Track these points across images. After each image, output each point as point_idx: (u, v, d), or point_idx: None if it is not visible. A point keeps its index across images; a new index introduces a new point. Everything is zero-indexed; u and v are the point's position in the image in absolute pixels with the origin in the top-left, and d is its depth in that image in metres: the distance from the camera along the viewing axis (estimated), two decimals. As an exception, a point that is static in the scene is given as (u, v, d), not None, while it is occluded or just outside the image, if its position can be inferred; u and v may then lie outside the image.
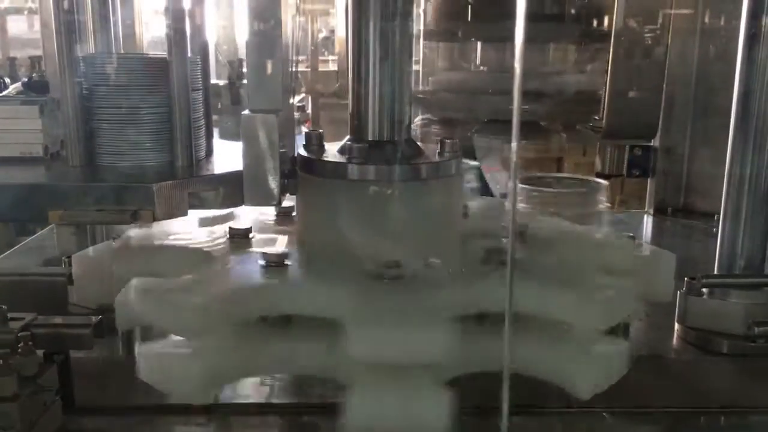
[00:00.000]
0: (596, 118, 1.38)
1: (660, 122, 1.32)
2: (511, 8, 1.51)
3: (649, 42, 1.23)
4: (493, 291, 1.11)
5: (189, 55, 1.30)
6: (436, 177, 1.25)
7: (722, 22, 2.57)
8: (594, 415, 1.28)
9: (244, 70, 7.10)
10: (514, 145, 0.75)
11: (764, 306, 1.53)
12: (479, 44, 1.45)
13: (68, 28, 1.20)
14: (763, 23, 1.48)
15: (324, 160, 1.25)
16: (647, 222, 2.63)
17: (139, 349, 1.11)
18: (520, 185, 1.24)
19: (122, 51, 1.46)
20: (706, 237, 2.48)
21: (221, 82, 4.65)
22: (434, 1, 1.59)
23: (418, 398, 1.00)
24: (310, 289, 1.13)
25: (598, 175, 1.39)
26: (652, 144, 2.65)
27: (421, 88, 1.58)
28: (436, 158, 1.27)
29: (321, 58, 8.78)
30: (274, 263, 1.17)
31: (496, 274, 1.15)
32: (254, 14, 1.19)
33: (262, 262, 1.18)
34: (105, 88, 1.23)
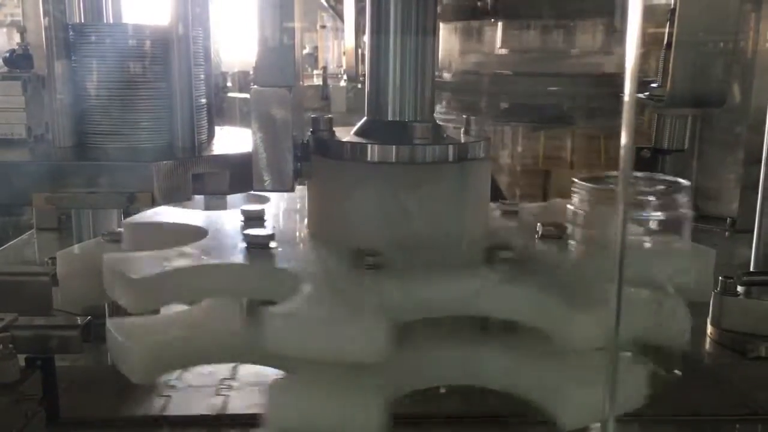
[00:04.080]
0: (654, 85, 1.28)
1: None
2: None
3: None
4: (464, 287, 0.97)
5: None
6: (465, 159, 1.13)
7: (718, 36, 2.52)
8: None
9: (228, 83, 6.97)
10: (624, 139, 0.62)
11: (806, 305, 1.43)
12: (500, 25, 1.36)
13: (56, -9, 1.07)
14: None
15: (344, 141, 1.13)
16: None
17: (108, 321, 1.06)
18: (582, 183, 1.14)
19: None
20: (718, 240, 2.40)
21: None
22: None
23: (342, 401, 0.87)
24: (259, 272, 1.03)
25: (656, 150, 1.28)
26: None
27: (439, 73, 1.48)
28: (464, 139, 1.16)
29: (304, 73, 8.73)
30: (258, 245, 1.06)
31: (488, 275, 1.00)
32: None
33: (243, 243, 1.08)
34: (97, 60, 1.10)
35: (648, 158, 2.57)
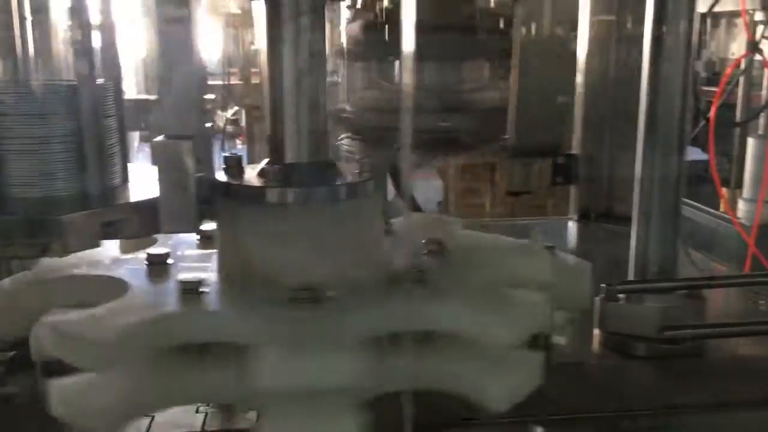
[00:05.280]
0: (506, 137, 1.42)
1: (564, 135, 1.35)
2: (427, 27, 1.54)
3: (556, 53, 1.25)
4: (402, 311, 1.12)
5: (101, 81, 1.28)
6: (354, 198, 1.25)
7: (634, 27, 2.66)
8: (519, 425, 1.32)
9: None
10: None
11: (678, 308, 1.60)
12: (397, 63, 1.48)
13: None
14: (667, 27, 1.54)
15: (240, 185, 1.24)
16: (572, 228, 2.71)
17: (48, 383, 1.09)
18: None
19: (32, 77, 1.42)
20: (628, 241, 2.57)
21: (152, 97, 4.55)
22: (353, 21, 1.61)
23: (327, 424, 1.01)
24: (221, 316, 1.12)
25: (509, 193, 1.41)
26: (574, 152, 2.75)
27: (342, 107, 1.59)
28: (355, 179, 1.28)
29: (253, 70, 8.70)
30: (190, 290, 1.15)
31: (407, 293, 1.14)
32: (164, 34, 1.18)
33: (176, 289, 1.16)
34: (10, 117, 1.19)
35: (563, 164, 2.74)
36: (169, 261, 1.29)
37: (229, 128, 9.35)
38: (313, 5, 1.25)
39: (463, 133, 1.41)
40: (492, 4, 1.34)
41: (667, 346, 1.58)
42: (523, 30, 1.27)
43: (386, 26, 1.52)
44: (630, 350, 1.61)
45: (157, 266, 1.27)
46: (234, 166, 1.32)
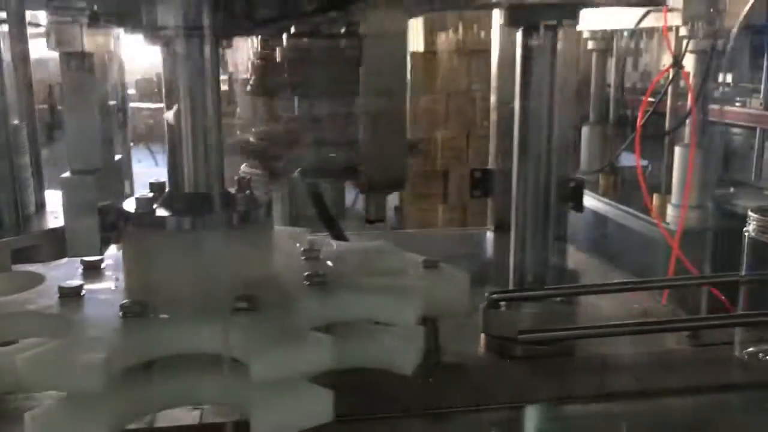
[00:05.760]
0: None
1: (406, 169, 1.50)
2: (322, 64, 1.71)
3: (387, 89, 1.39)
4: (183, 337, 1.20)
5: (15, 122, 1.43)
6: (245, 225, 1.41)
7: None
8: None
9: (132, 91, 7.07)
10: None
11: (550, 313, 1.79)
12: (296, 98, 1.64)
13: None
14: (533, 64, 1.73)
15: (137, 213, 1.39)
16: (489, 238, 2.90)
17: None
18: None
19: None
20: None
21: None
22: (252, 56, 1.78)
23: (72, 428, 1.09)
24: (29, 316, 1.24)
25: (368, 221, 1.56)
26: (490, 167, 2.95)
27: (246, 137, 1.75)
28: (247, 207, 1.44)
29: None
30: (66, 294, 1.27)
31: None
32: (66, 79, 1.33)
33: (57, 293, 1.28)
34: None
35: (480, 177, 2.94)
36: (103, 266, 1.44)
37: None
38: (200, 44, 1.40)
39: (352, 163, 1.56)
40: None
41: (541, 347, 1.77)
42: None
43: (285, 63, 1.68)
44: (509, 352, 1.79)
45: (91, 270, 1.43)
46: (156, 190, 1.47)
